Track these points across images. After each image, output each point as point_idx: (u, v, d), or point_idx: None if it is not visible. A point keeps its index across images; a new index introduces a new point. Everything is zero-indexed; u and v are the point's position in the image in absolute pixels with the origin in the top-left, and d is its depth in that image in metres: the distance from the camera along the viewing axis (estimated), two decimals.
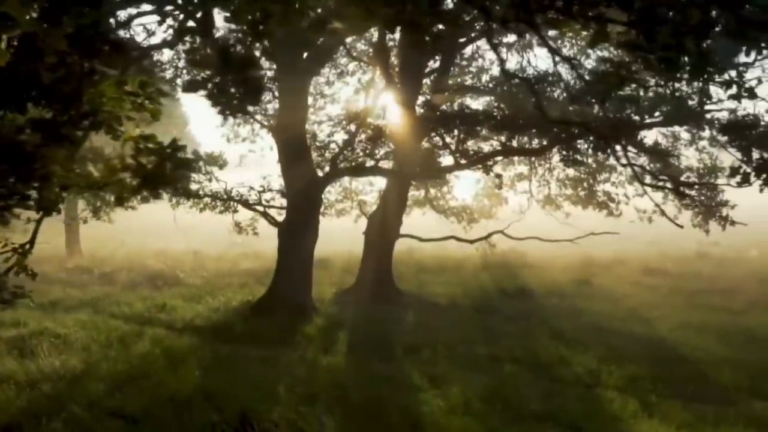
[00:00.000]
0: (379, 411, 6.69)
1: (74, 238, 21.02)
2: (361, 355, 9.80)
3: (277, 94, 12.85)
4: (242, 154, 18.45)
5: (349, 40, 15.62)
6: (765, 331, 10.92)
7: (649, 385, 8.20)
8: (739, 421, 6.81)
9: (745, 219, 12.88)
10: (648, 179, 12.20)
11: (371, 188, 19.20)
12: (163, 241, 24.59)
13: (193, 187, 13.48)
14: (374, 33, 14.83)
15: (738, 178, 4.70)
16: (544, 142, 10.67)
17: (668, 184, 12.12)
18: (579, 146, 10.33)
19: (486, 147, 11.26)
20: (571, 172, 18.03)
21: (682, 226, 12.26)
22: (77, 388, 7.23)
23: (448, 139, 10.70)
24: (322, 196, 20.22)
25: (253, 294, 13.94)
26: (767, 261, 19.57)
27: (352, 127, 12.61)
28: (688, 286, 15.69)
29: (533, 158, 14.49)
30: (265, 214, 13.11)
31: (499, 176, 12.16)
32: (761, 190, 5.51)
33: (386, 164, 14.04)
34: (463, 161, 10.89)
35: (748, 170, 4.37)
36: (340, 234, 21.61)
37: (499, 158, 12.31)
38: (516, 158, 17.76)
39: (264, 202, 12.97)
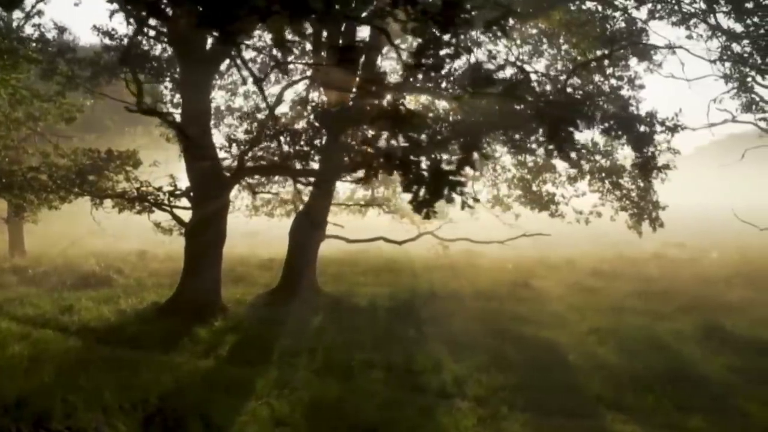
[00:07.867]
0: (183, 422, 6.34)
1: (18, 238, 20.89)
2: (236, 359, 9.47)
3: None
4: (179, 154, 18.07)
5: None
6: (670, 338, 10.37)
7: (510, 395, 7.74)
8: None
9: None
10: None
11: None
12: (121, 241, 24.50)
13: (106, 185, 13.21)
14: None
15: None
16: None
17: None
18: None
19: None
20: (517, 172, 17.57)
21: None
22: None
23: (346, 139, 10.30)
24: (285, 197, 20.01)
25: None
26: (723, 263, 18.80)
27: (255, 125, 12.21)
28: (626, 288, 15.08)
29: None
30: (173, 215, 12.79)
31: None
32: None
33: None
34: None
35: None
36: None
37: None
38: None
39: (169, 202, 12.61)
